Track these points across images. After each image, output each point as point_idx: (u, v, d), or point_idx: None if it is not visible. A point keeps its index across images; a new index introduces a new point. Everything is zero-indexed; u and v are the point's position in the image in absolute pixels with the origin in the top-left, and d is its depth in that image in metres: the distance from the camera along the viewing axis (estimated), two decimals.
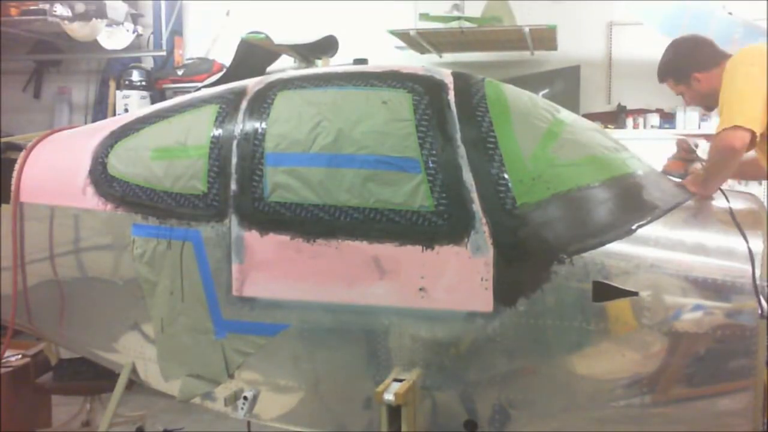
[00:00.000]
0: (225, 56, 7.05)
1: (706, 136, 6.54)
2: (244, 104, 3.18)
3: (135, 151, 3.34)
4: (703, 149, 6.64)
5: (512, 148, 2.86)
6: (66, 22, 6.76)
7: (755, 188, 6.40)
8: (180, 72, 7.41)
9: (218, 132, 3.16)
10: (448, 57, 7.09)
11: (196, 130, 3.21)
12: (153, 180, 3.23)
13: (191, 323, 3.20)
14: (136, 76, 7.37)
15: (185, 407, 4.39)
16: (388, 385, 2.75)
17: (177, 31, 7.75)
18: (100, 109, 7.87)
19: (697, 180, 3.17)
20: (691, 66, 3.43)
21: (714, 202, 3.12)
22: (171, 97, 6.31)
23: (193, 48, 7.81)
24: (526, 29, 6.08)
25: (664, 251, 2.77)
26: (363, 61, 5.96)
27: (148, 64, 7.76)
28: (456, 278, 2.79)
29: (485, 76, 3.11)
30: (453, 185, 2.81)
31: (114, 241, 3.38)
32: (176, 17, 7.71)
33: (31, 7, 6.83)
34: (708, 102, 3.46)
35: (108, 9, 6.95)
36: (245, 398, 3.10)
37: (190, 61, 7.53)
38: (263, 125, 3.08)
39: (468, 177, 2.81)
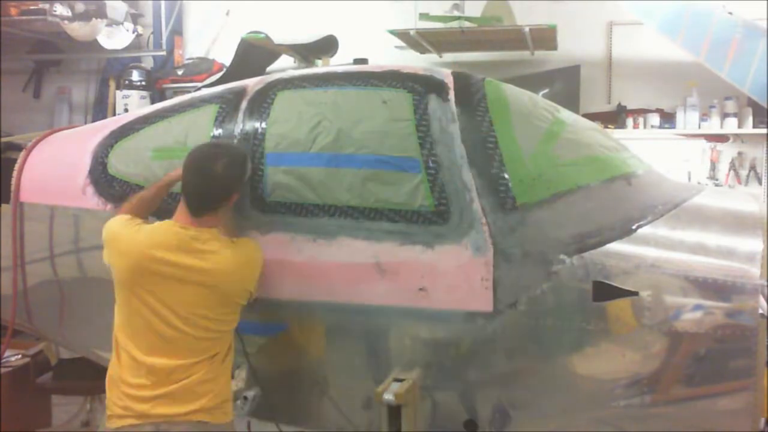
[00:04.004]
0: (225, 56, 7.05)
1: (706, 136, 6.56)
2: (244, 104, 3.17)
3: (135, 151, 3.33)
4: (703, 150, 6.67)
5: (512, 148, 2.86)
6: (66, 22, 6.77)
7: (755, 188, 6.41)
8: (180, 72, 7.41)
9: (218, 132, 3.15)
10: (448, 57, 7.09)
11: (196, 130, 3.20)
12: (153, 180, 3.22)
13: None
14: (135, 75, 7.38)
15: None
16: (388, 385, 2.75)
17: (177, 31, 7.75)
18: (100, 109, 7.87)
19: None
20: None
21: (714, 202, 3.12)
22: (171, 97, 6.31)
23: (193, 48, 7.82)
24: (526, 29, 6.08)
25: (664, 251, 2.78)
26: (363, 61, 5.96)
27: (148, 64, 7.76)
28: (456, 278, 2.79)
29: (485, 76, 3.11)
30: (453, 185, 2.81)
31: None
32: (176, 17, 7.71)
33: (31, 7, 6.83)
34: None
35: (108, 9, 6.96)
36: (245, 398, 3.09)
37: (190, 61, 7.53)
38: (263, 125, 3.08)
39: (468, 177, 2.81)
